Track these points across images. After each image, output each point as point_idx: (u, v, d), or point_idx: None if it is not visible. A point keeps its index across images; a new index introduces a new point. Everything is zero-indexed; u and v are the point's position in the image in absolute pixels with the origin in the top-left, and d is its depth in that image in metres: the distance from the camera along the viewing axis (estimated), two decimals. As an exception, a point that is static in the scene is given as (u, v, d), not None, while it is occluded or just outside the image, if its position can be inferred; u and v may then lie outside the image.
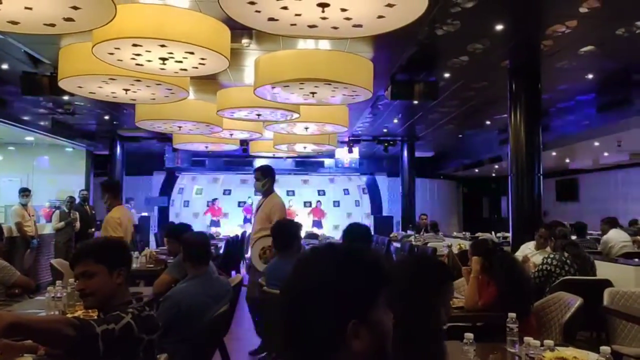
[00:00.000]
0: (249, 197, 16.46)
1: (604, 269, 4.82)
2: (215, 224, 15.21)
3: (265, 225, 4.94)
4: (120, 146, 12.87)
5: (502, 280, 3.28)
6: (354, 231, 3.13)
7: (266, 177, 5.17)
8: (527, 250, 5.79)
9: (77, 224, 8.96)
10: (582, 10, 4.88)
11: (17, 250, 7.90)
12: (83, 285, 1.99)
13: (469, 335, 1.99)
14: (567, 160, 13.77)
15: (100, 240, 2.36)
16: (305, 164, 15.75)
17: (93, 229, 9.96)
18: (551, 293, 3.76)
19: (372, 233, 12.75)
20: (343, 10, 3.06)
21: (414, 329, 1.54)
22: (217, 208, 15.60)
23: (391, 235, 11.36)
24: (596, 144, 10.83)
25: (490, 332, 3.21)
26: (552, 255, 4.54)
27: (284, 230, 3.93)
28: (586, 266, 4.44)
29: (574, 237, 6.60)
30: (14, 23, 3.12)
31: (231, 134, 7.94)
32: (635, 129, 8.78)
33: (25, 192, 8.22)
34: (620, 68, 6.91)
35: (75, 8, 2.96)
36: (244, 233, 12.47)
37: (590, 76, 7.27)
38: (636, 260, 5.38)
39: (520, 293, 3.22)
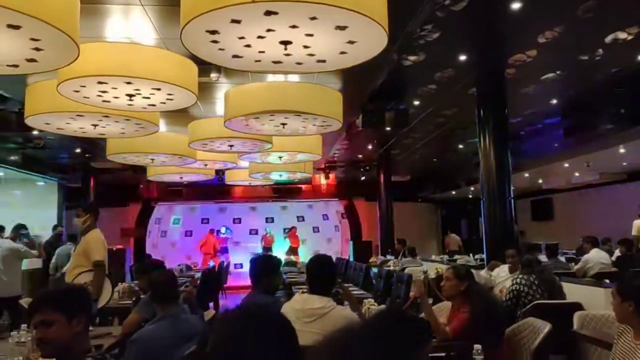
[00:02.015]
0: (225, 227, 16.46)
1: (575, 291, 4.87)
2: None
3: (82, 262, 4.77)
4: (93, 178, 12.68)
5: (478, 304, 3.29)
6: (317, 263, 3.12)
7: (88, 214, 4.94)
8: (502, 274, 5.84)
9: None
10: (541, 40, 5.06)
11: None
12: (41, 334, 1.94)
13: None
14: (540, 181, 14.02)
15: (61, 288, 2.31)
16: (283, 191, 15.75)
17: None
18: (523, 318, 3.79)
19: (350, 259, 12.82)
20: (305, 47, 3.11)
21: None
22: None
23: (370, 261, 11.35)
24: (566, 165, 11.07)
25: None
26: (520, 276, 4.58)
27: (261, 266, 3.87)
28: (553, 290, 4.49)
29: (544, 259, 6.68)
30: (-25, 65, 3.10)
31: (205, 165, 7.92)
32: (602, 151, 9.02)
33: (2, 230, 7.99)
34: (583, 92, 7.13)
35: (37, 49, 2.95)
36: (221, 263, 12.34)
37: (554, 101, 7.49)
38: (606, 281, 5.45)
39: (494, 318, 3.23)
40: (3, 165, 10.17)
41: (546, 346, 3.21)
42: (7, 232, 7.47)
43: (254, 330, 1.08)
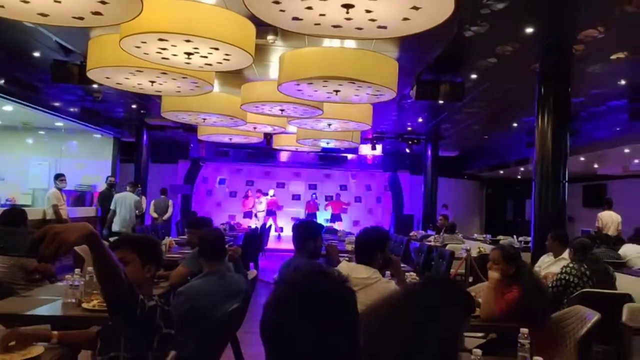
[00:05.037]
0: (272, 190, 16.60)
1: (624, 282, 4.69)
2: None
3: None
4: (146, 134, 13.04)
5: (530, 283, 3.23)
6: (367, 234, 3.11)
7: None
8: (546, 260, 5.67)
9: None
10: (616, 14, 4.74)
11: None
12: None
13: (477, 352, 1.96)
14: (596, 166, 13.45)
15: (140, 235, 2.48)
16: (328, 159, 15.76)
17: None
18: (569, 305, 3.68)
19: (392, 232, 12.80)
20: (368, 11, 3.03)
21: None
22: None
23: (410, 234, 11.29)
24: (627, 150, 10.55)
25: (503, 343, 3.18)
26: (571, 265, 4.37)
27: (304, 230, 3.89)
28: (606, 280, 4.30)
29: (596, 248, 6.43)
30: (44, 15, 3.19)
31: (255, 127, 7.99)
32: (668, 138, 8.53)
33: (62, 177, 8.45)
34: (655, 75, 6.71)
35: (103, 2, 3.01)
36: (263, 225, 12.56)
37: (622, 82, 7.08)
38: (661, 274, 5.23)
39: (543, 296, 3.18)
40: (64, 115, 10.58)
41: (592, 336, 3.13)
42: (67, 179, 8.73)
43: (321, 293, 1.08)
